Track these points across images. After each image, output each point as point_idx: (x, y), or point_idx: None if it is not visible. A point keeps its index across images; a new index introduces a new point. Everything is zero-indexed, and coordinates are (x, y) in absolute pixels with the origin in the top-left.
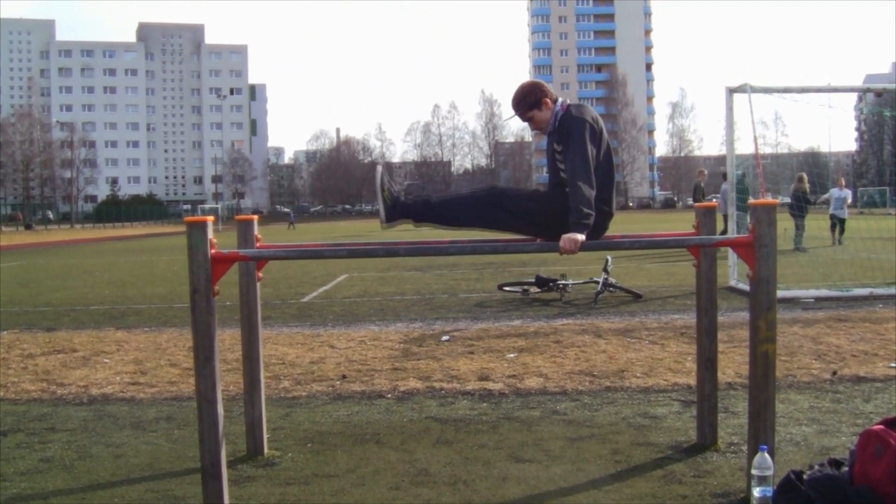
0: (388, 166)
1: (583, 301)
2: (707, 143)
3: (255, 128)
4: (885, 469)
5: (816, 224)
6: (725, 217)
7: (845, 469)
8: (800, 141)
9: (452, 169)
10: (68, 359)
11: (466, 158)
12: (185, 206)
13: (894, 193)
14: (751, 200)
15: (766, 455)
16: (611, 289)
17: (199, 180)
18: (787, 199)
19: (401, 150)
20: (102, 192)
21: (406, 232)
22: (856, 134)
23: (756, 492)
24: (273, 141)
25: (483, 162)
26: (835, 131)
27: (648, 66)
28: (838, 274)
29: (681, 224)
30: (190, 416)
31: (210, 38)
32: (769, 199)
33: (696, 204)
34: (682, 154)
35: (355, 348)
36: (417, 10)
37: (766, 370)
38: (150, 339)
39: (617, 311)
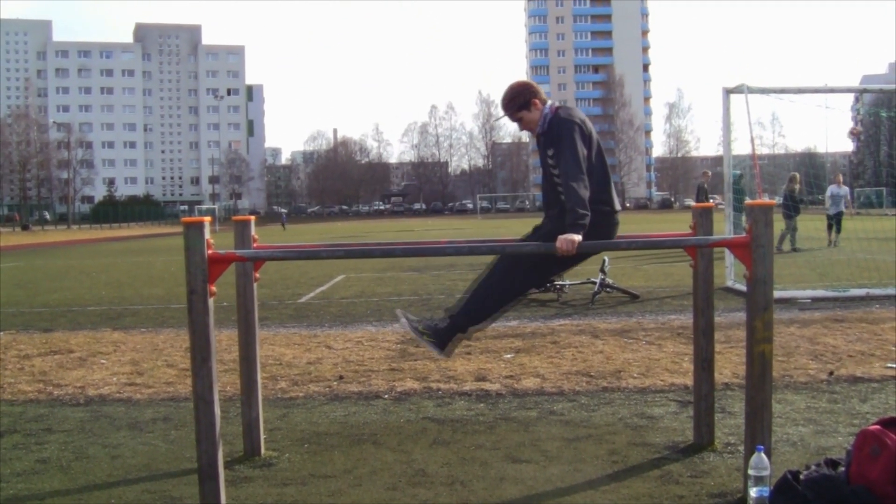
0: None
1: (580, 301)
2: (704, 144)
3: (252, 128)
4: (882, 469)
5: (813, 225)
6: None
7: (842, 469)
8: (797, 141)
9: (450, 169)
10: (65, 360)
11: (464, 159)
12: (182, 207)
13: (891, 194)
14: (747, 201)
15: (763, 455)
16: (608, 289)
17: (196, 181)
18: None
19: (398, 150)
20: (99, 192)
21: (404, 233)
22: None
23: (753, 492)
24: (270, 142)
25: (480, 162)
26: (831, 132)
27: (646, 67)
28: (835, 274)
29: (678, 224)
30: (187, 416)
31: (207, 39)
32: (766, 199)
33: (694, 204)
34: (680, 155)
35: (352, 349)
36: (415, 11)
37: (762, 370)
38: (147, 339)
39: (614, 312)
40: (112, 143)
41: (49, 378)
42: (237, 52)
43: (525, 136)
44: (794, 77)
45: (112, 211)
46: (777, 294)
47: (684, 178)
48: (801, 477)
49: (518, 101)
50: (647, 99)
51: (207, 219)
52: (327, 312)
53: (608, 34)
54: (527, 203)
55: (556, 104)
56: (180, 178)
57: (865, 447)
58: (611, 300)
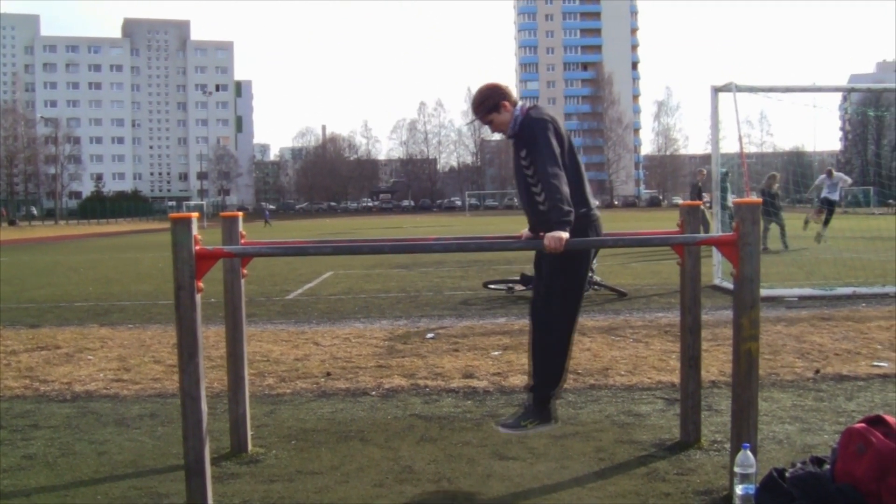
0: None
1: None
2: (692, 142)
3: (241, 124)
4: (867, 467)
5: (801, 223)
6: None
7: (827, 467)
8: (785, 140)
9: (438, 166)
10: (52, 356)
11: (452, 156)
12: (170, 203)
13: (878, 193)
14: (735, 199)
15: (749, 453)
16: (595, 287)
17: (184, 177)
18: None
19: (386, 147)
20: (87, 188)
21: (392, 230)
22: (840, 133)
23: (739, 489)
24: (259, 138)
25: (469, 160)
26: (819, 131)
27: (634, 65)
28: (822, 273)
29: (666, 223)
30: (174, 413)
31: (196, 35)
32: (753, 197)
33: (681, 203)
34: (668, 153)
35: (340, 346)
36: (404, 8)
37: (749, 368)
38: (135, 335)
39: (602, 310)
40: (100, 138)
41: (36, 374)
42: (226, 48)
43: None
44: (782, 76)
45: (100, 207)
46: (764, 292)
47: (672, 176)
48: (787, 474)
49: (487, 103)
50: (635, 97)
51: (195, 215)
52: (315, 309)
53: (597, 32)
54: (515, 200)
55: (527, 105)
56: (168, 173)
57: (851, 445)
58: (598, 298)
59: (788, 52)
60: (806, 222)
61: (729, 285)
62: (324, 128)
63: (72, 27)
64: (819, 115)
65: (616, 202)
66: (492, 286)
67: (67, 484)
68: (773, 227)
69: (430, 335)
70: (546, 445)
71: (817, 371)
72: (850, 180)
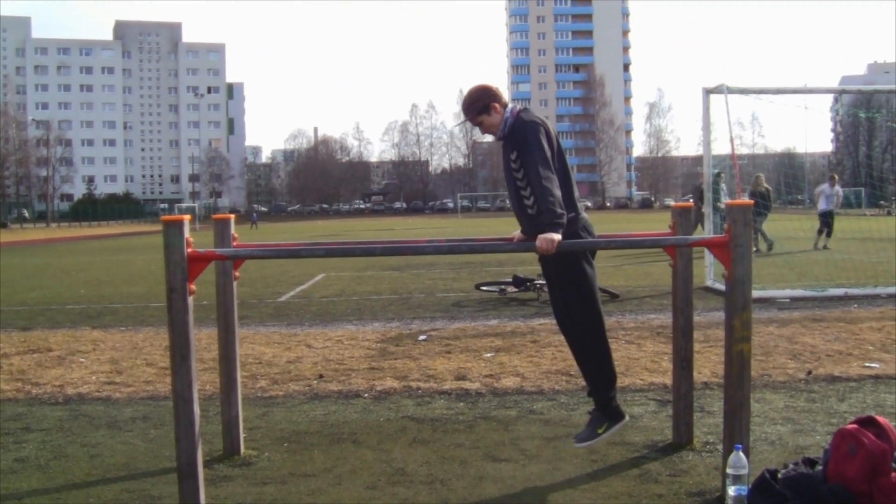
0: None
1: None
2: (684, 144)
3: (233, 127)
4: (859, 468)
5: (792, 225)
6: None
7: (819, 468)
8: (776, 142)
9: (430, 168)
10: (44, 358)
11: (444, 158)
12: (161, 205)
13: (869, 194)
14: (726, 201)
15: (742, 454)
16: None
17: (176, 179)
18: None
19: (378, 149)
20: (79, 190)
21: (384, 232)
22: (831, 135)
23: (731, 490)
24: (250, 140)
25: (461, 161)
26: (811, 132)
27: (626, 67)
28: (813, 274)
29: (658, 224)
30: (166, 415)
31: (187, 37)
32: (745, 199)
33: (673, 204)
34: (660, 154)
35: (332, 348)
36: (396, 10)
37: (741, 370)
38: (127, 338)
39: None
40: (92, 140)
41: (27, 377)
42: (218, 50)
43: None
44: (773, 78)
45: (91, 209)
46: (756, 294)
47: (664, 177)
48: (779, 475)
49: (478, 105)
50: (627, 98)
51: (187, 217)
52: (307, 311)
53: (589, 34)
54: (507, 202)
55: (518, 108)
56: (160, 176)
57: (843, 446)
58: None
59: (780, 53)
60: (817, 247)
61: (721, 287)
62: (315, 130)
63: (63, 29)
64: (810, 116)
65: (608, 204)
66: (484, 288)
67: (60, 487)
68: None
69: (422, 337)
70: (538, 447)
71: (809, 372)
72: (841, 196)
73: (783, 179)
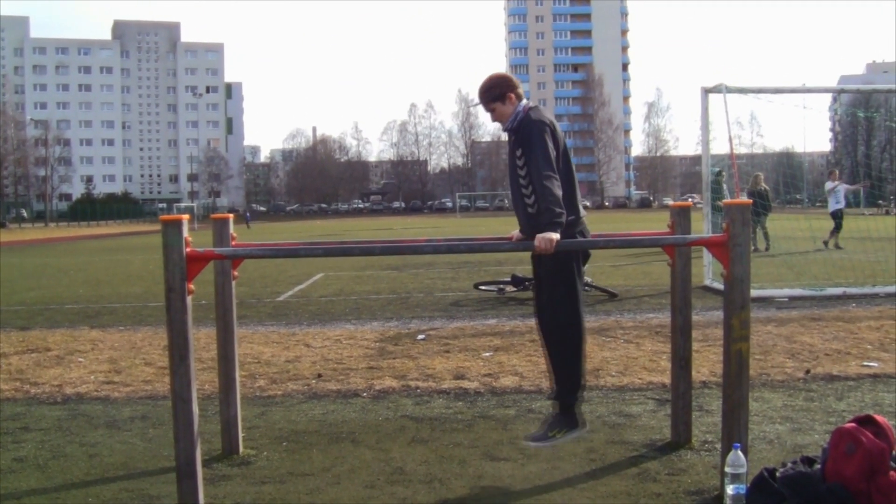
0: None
1: None
2: (683, 143)
3: (232, 126)
4: (857, 466)
5: (789, 224)
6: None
7: (818, 466)
8: (775, 141)
9: (429, 168)
10: (42, 358)
11: (443, 158)
12: (160, 205)
13: (868, 194)
14: (725, 200)
15: (740, 453)
16: (586, 288)
17: (174, 179)
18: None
19: (377, 149)
20: (77, 190)
21: (383, 231)
22: (830, 134)
23: (730, 489)
24: (249, 140)
25: (459, 161)
26: (809, 132)
27: (625, 66)
28: (812, 273)
29: (656, 224)
30: (165, 415)
31: (186, 37)
32: (744, 198)
33: (672, 204)
34: (658, 154)
35: (331, 347)
36: (394, 9)
37: (739, 369)
38: (125, 338)
39: (592, 311)
40: (90, 140)
41: (26, 376)
42: (216, 50)
43: (504, 136)
44: (772, 77)
45: (90, 209)
46: (754, 293)
47: (663, 177)
48: (778, 474)
49: (494, 91)
50: (626, 98)
51: (186, 217)
52: (306, 311)
53: (587, 33)
54: (506, 202)
55: (529, 104)
56: (159, 175)
57: (841, 445)
58: (589, 299)
59: (778, 53)
60: (827, 244)
61: (719, 286)
62: (314, 129)
63: (61, 29)
64: (809, 116)
65: (607, 203)
66: (482, 287)
67: (58, 486)
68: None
69: (420, 336)
70: (537, 446)
71: (808, 371)
72: (840, 191)
73: (782, 179)
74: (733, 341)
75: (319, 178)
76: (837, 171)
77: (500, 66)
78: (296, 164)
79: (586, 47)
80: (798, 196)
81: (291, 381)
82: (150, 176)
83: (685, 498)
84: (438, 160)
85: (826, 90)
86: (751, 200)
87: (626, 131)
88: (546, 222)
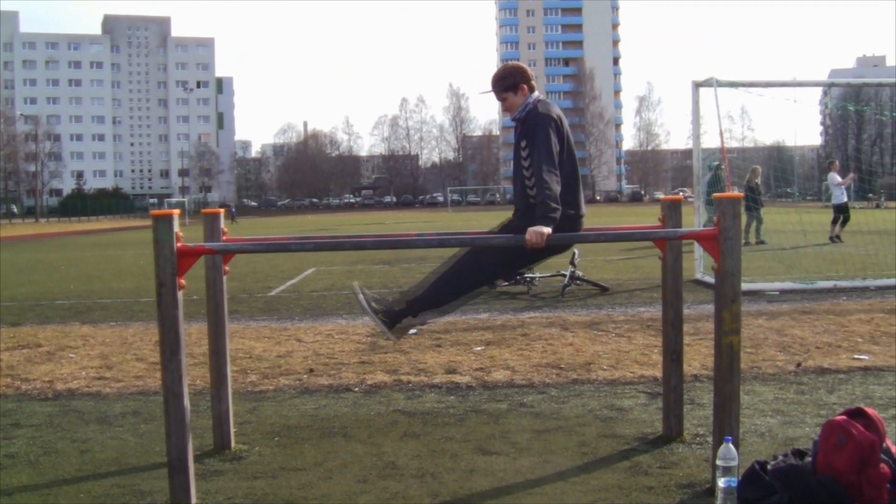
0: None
1: (550, 294)
2: (674, 137)
3: (222, 121)
4: (848, 459)
5: (780, 218)
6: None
7: (809, 459)
8: (766, 135)
9: (420, 162)
10: (33, 354)
11: (434, 152)
12: (151, 200)
13: (858, 188)
14: (715, 194)
15: (731, 446)
16: (578, 282)
17: (165, 174)
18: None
19: (368, 143)
20: (68, 185)
21: (374, 226)
22: (821, 128)
23: (721, 482)
24: (240, 134)
25: (451, 155)
26: (800, 125)
27: (616, 60)
28: (803, 267)
29: (648, 217)
30: (156, 410)
31: (176, 31)
32: (735, 192)
33: (663, 198)
34: (650, 148)
35: (323, 342)
36: (385, 4)
37: (731, 362)
38: (116, 333)
39: (584, 304)
40: (80, 135)
41: (17, 372)
42: (207, 45)
43: (495, 129)
44: (763, 71)
45: (81, 204)
46: (745, 286)
47: (654, 171)
48: (769, 467)
49: (508, 81)
50: (617, 92)
51: (177, 212)
52: (297, 305)
53: (578, 27)
54: (497, 196)
55: (539, 97)
56: (149, 171)
57: (832, 437)
58: (581, 293)
59: (769, 47)
60: (840, 237)
61: (710, 280)
62: (305, 124)
63: (51, 24)
64: (800, 109)
65: (598, 197)
66: None
67: (50, 482)
68: (755, 219)
69: (412, 331)
70: (529, 440)
71: (799, 364)
72: (838, 180)
73: (772, 173)
74: (724, 335)
75: (311, 173)
76: (838, 163)
77: (492, 60)
78: (287, 158)
79: (577, 41)
80: (789, 190)
81: (283, 376)
82: (141, 171)
83: (677, 491)
84: (429, 154)
85: (817, 84)
86: (741, 194)
87: (618, 125)
88: (540, 215)
